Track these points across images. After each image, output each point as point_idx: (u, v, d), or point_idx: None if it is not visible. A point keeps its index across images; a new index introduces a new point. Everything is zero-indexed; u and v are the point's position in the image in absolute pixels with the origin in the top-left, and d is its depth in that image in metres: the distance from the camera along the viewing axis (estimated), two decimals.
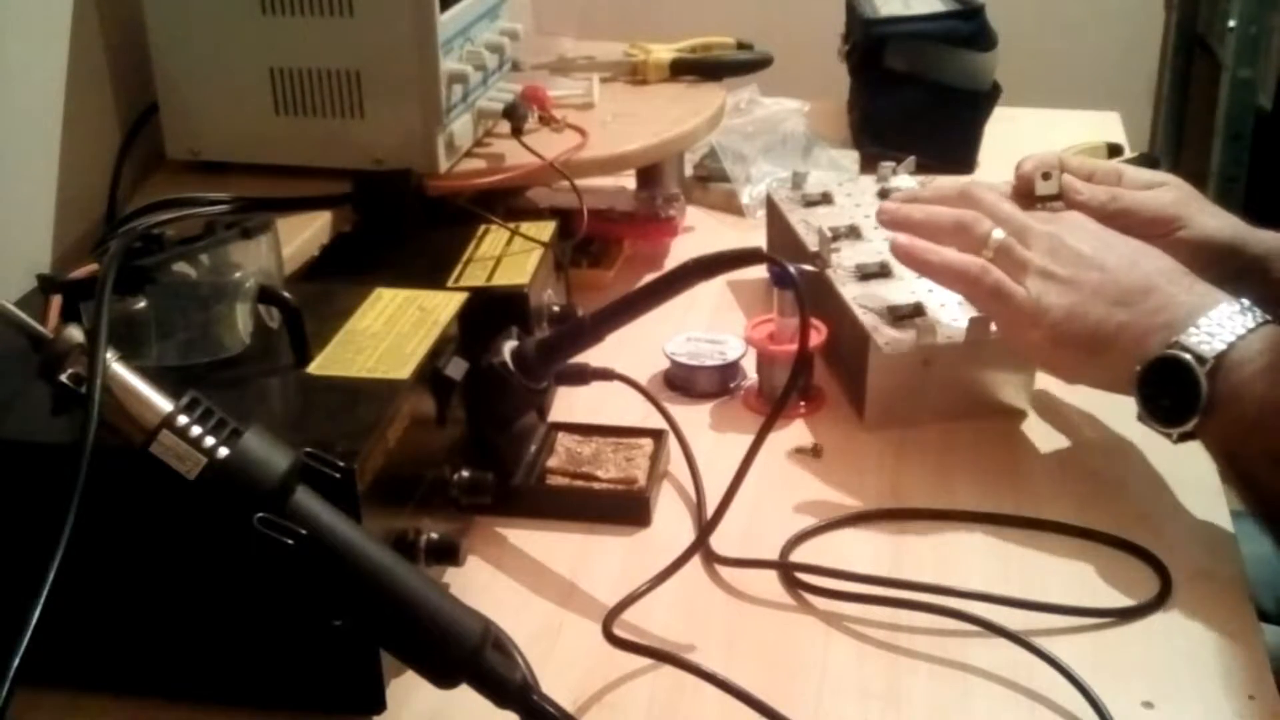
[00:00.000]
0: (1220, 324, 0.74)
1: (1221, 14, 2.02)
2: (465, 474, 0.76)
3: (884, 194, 1.06)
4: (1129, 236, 0.84)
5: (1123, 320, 0.78)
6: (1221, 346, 0.73)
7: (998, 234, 0.85)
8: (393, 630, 0.58)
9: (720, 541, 0.76)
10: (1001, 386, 0.91)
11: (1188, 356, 0.74)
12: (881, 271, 0.94)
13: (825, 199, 1.07)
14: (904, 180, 1.09)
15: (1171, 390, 0.75)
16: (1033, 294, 0.81)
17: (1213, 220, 0.88)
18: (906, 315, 0.89)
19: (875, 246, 0.97)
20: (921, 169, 1.11)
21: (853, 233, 1.00)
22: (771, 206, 1.10)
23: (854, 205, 1.06)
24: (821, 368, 0.96)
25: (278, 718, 0.65)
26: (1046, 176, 0.90)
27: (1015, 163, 0.94)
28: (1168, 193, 0.89)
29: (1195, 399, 0.74)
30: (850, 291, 0.92)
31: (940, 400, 0.90)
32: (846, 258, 0.96)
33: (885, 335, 0.87)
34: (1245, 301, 0.76)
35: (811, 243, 0.98)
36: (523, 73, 1.17)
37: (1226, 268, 0.87)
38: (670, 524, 0.81)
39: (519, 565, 0.78)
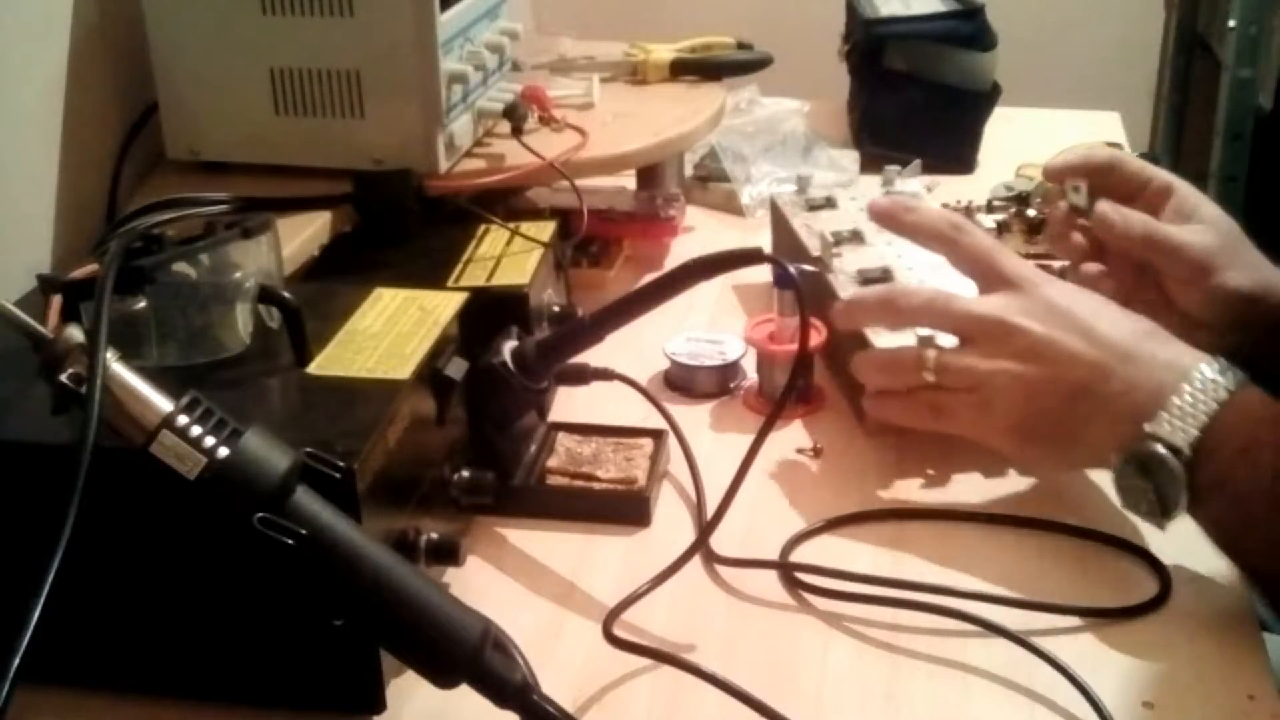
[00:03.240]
0: (1193, 402, 0.70)
1: (1221, 14, 2.02)
2: (465, 474, 0.76)
3: None
4: (1093, 293, 0.80)
5: (1085, 412, 0.74)
6: (1195, 433, 0.69)
7: (942, 339, 0.81)
8: (393, 630, 0.58)
9: (720, 541, 0.76)
10: None
11: (1162, 449, 0.70)
12: (883, 276, 0.93)
13: (829, 203, 1.07)
14: (909, 184, 1.08)
15: (1154, 481, 0.71)
16: (984, 399, 0.78)
17: (1238, 274, 0.83)
18: None
19: (877, 251, 0.97)
20: (922, 169, 1.11)
21: (855, 237, 0.99)
22: (775, 210, 1.09)
23: (857, 210, 1.05)
24: (821, 368, 0.96)
25: (277, 717, 0.65)
26: (1076, 189, 0.87)
27: (1068, 146, 0.90)
28: (1204, 236, 0.84)
29: (1179, 492, 0.70)
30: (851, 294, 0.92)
31: None
32: (849, 262, 0.96)
33: (883, 338, 0.87)
34: (1221, 362, 0.72)
35: (813, 247, 0.98)
36: (523, 73, 1.17)
37: (1245, 315, 0.83)
38: (670, 524, 0.81)
39: (519, 565, 0.78)
